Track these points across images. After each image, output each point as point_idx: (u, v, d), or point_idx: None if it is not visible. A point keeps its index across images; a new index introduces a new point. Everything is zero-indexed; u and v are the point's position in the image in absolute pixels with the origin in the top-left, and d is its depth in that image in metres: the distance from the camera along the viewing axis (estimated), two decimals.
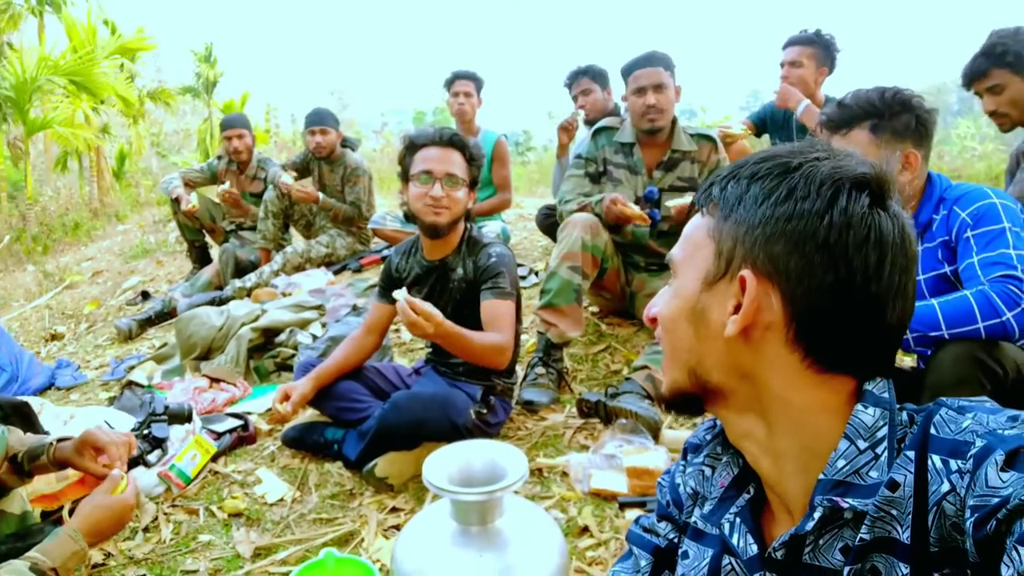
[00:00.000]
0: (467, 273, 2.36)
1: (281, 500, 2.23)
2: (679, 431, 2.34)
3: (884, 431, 0.70)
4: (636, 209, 2.78)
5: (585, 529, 1.93)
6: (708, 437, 0.91)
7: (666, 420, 2.40)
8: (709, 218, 0.78)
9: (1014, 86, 2.48)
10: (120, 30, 11.20)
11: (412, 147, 2.34)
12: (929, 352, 1.64)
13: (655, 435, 2.27)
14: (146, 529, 2.13)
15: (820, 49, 3.56)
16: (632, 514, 1.94)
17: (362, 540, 1.99)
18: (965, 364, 1.54)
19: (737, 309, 0.73)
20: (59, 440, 1.74)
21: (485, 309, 2.28)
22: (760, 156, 0.75)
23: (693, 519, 0.90)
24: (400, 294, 2.04)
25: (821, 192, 0.69)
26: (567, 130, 4.16)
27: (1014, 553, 0.54)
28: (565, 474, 2.19)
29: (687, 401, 0.82)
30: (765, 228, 0.71)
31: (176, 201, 4.95)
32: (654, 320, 0.84)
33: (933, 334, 1.59)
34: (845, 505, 0.68)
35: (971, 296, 1.58)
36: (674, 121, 3.03)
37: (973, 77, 2.54)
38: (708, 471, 0.89)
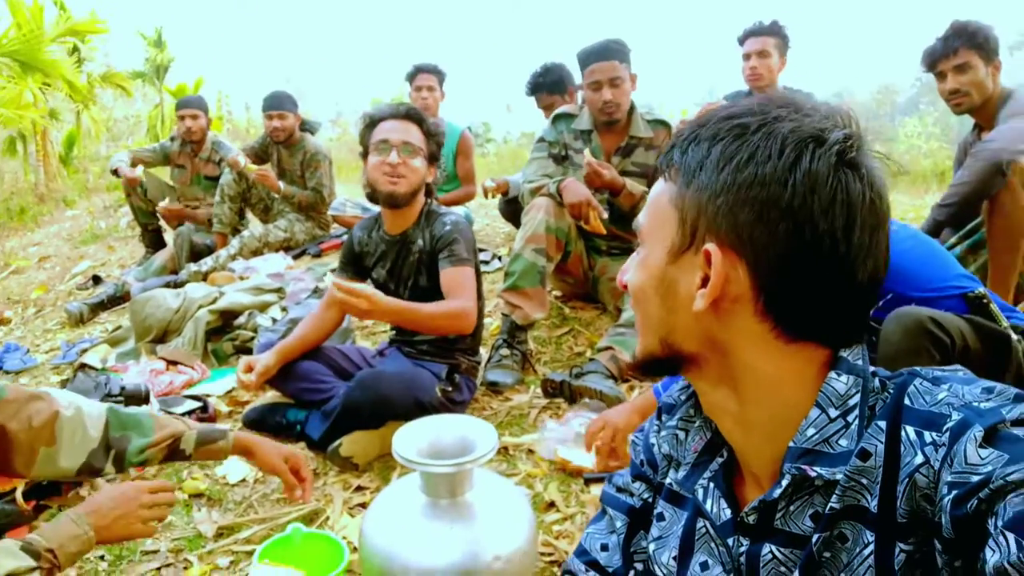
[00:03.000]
0: (425, 244, 2.37)
1: (243, 480, 2.19)
2: None
3: (856, 399, 0.70)
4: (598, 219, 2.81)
5: (551, 504, 1.94)
6: (683, 398, 0.90)
7: (630, 399, 2.43)
8: (671, 184, 0.75)
9: (979, 69, 2.59)
10: (70, 11, 10.84)
11: (371, 123, 2.37)
12: None
13: None
14: None
15: (780, 39, 3.63)
16: (597, 489, 1.96)
17: (327, 519, 1.97)
18: (915, 335, 1.57)
19: (705, 282, 0.71)
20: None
21: (443, 279, 2.29)
22: (721, 115, 0.72)
23: (668, 480, 0.90)
24: (327, 278, 2.07)
25: (784, 154, 0.66)
26: (499, 189, 4.38)
27: (1001, 539, 0.53)
28: (531, 451, 2.20)
29: (661, 366, 0.81)
30: (727, 196, 0.68)
31: (115, 173, 4.83)
32: (626, 286, 0.83)
33: None
34: (813, 473, 0.68)
35: None
36: (632, 108, 3.05)
37: (944, 54, 2.63)
38: (681, 435, 0.89)
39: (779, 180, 0.66)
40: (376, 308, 2.09)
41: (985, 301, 1.73)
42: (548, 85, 4.24)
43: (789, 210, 0.66)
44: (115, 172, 4.83)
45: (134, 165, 4.90)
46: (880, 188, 0.69)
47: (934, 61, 2.69)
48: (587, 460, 2.04)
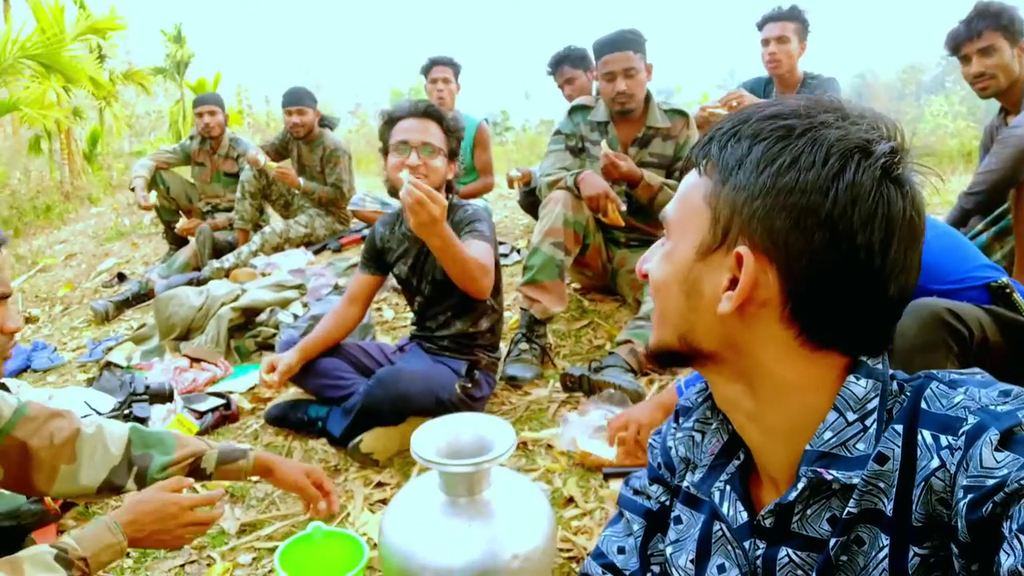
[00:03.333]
0: None
1: None
2: None
3: (875, 403, 0.69)
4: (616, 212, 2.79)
5: (570, 500, 1.94)
6: (699, 400, 0.90)
7: (649, 392, 2.42)
8: (706, 179, 0.73)
9: (1004, 51, 2.55)
10: (89, 8, 10.95)
11: (391, 120, 2.35)
12: None
13: None
14: None
15: (800, 24, 3.58)
16: (616, 484, 1.96)
17: (348, 515, 1.99)
18: (932, 328, 1.54)
19: (732, 284, 0.70)
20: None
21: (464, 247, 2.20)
22: (765, 112, 0.70)
23: (685, 484, 0.90)
24: (404, 175, 1.98)
25: (828, 163, 0.65)
26: (523, 179, 4.29)
27: (1015, 542, 0.53)
28: (550, 446, 2.20)
29: (675, 359, 0.80)
30: (765, 200, 0.67)
31: (132, 191, 4.89)
32: (646, 275, 0.81)
33: None
34: (829, 477, 0.68)
35: None
36: (649, 98, 3.03)
37: (968, 37, 2.59)
38: (698, 436, 0.89)
39: (821, 189, 0.65)
40: (440, 221, 1.95)
41: (1008, 291, 1.70)
42: (572, 59, 4.25)
43: (828, 220, 0.65)
44: (132, 190, 4.87)
45: (158, 170, 4.94)
46: (920, 206, 0.69)
47: (958, 44, 2.64)
48: (608, 452, 2.05)
